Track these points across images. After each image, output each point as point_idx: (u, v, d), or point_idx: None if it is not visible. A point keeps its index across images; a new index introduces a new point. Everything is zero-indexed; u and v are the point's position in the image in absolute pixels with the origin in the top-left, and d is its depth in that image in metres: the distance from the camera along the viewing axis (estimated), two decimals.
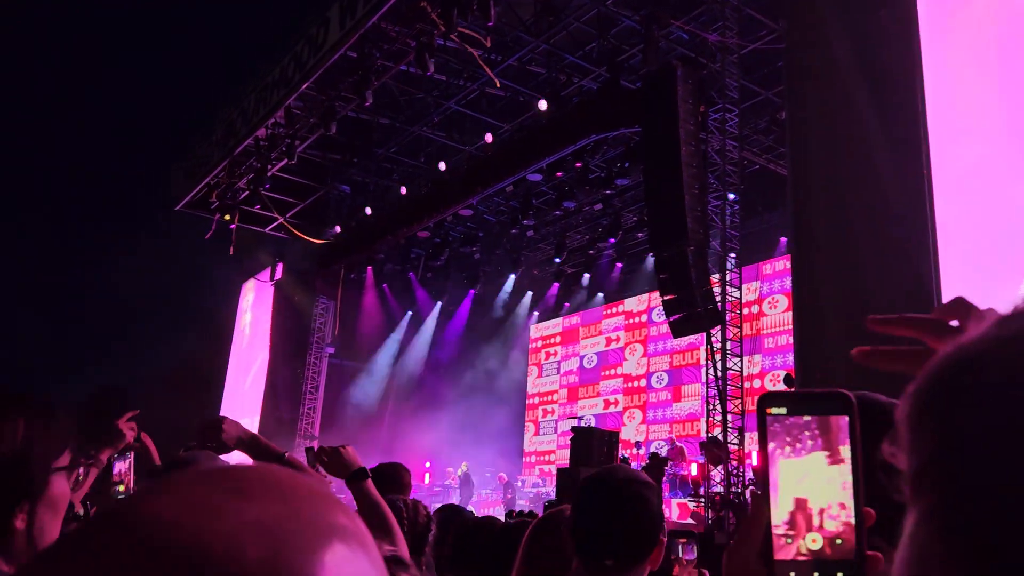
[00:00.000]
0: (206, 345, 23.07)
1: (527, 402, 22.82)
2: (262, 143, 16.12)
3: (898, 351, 0.72)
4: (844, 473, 0.68)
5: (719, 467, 11.33)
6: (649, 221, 13.03)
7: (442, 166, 16.27)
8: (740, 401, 11.61)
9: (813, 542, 0.67)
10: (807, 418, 0.70)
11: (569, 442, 11.66)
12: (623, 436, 15.95)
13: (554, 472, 16.75)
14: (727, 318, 11.73)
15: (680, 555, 2.01)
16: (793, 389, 0.69)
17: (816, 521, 0.68)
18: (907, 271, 8.29)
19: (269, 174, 16.62)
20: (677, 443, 15.56)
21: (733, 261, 12.25)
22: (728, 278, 12.03)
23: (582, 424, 17.74)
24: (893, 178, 8.50)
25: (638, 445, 16.68)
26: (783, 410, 0.70)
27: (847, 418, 0.69)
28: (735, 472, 11.16)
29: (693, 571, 1.99)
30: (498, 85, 13.77)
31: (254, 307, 23.01)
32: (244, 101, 16.50)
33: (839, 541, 0.67)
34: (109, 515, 0.40)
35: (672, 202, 11.10)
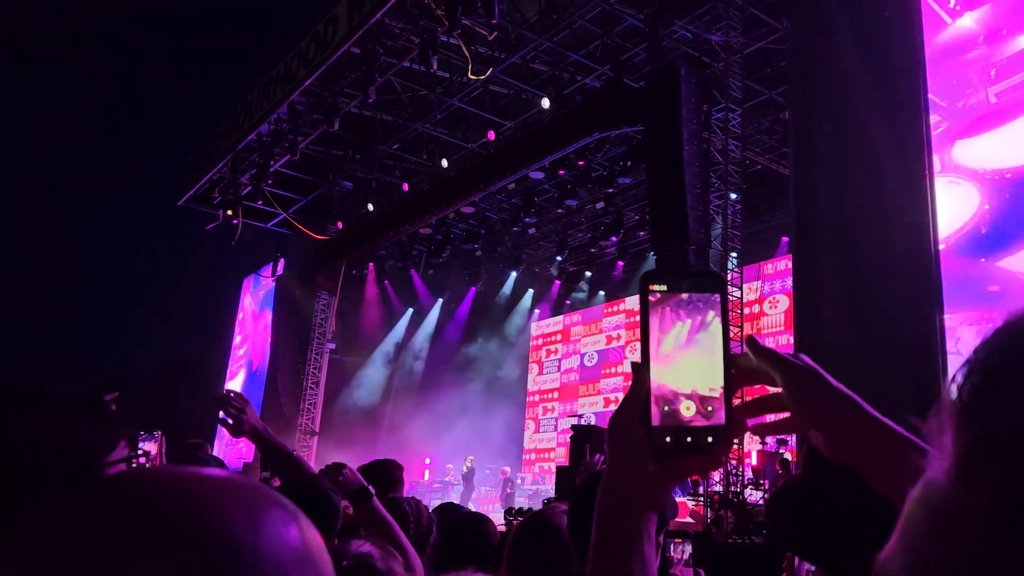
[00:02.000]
0: (207, 339, 23.12)
1: (527, 400, 22.83)
2: (265, 139, 16.12)
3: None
4: (715, 346, 0.75)
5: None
6: (651, 220, 13.03)
7: (444, 163, 16.27)
8: (740, 400, 11.57)
9: (687, 409, 0.74)
10: (685, 295, 0.76)
11: (569, 440, 11.66)
12: None
13: (554, 470, 16.77)
14: (728, 317, 11.70)
15: (672, 554, 2.02)
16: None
17: (690, 389, 0.74)
18: (909, 272, 8.29)
19: (272, 169, 16.63)
20: None
21: (734, 260, 12.24)
22: (729, 277, 12.02)
23: (582, 422, 17.73)
24: (896, 178, 8.49)
25: None
26: (663, 287, 0.77)
27: (719, 296, 0.77)
28: (734, 471, 11.16)
29: (688, 570, 1.99)
30: (481, 78, 13.65)
31: (255, 302, 23.04)
32: (248, 96, 16.51)
33: (710, 408, 0.74)
34: (96, 484, 0.45)
35: (674, 201, 11.10)
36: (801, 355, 0.77)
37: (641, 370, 0.75)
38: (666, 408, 0.74)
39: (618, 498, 0.77)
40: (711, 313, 0.76)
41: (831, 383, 0.75)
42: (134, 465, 1.22)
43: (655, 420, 0.73)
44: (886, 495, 0.70)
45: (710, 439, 0.73)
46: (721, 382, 0.74)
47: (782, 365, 0.77)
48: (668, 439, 0.73)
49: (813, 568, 1.48)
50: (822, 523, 1.31)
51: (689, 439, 0.73)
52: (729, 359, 0.75)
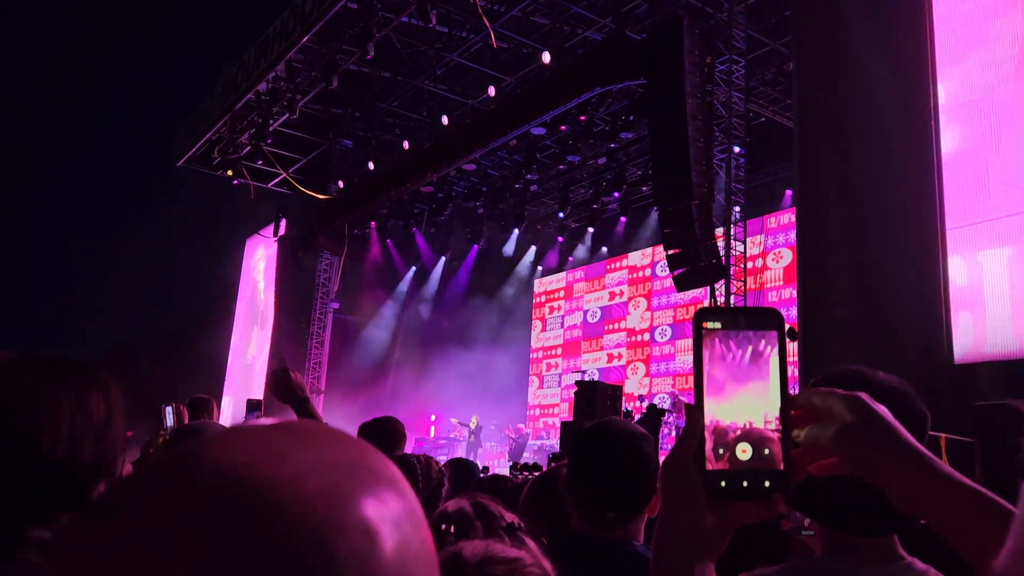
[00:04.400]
0: (211, 303, 23.17)
1: (531, 356, 22.94)
2: (263, 97, 15.96)
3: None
4: (773, 387, 0.71)
5: None
6: (654, 175, 12.94)
7: (445, 120, 16.11)
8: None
9: (743, 452, 0.70)
10: (740, 333, 0.72)
11: (573, 396, 11.74)
12: (626, 390, 16.06)
13: (558, 425, 16.92)
14: (731, 272, 11.71)
15: None
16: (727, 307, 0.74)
17: (745, 423, 0.71)
18: (913, 224, 8.24)
19: (270, 129, 16.49)
20: (679, 397, 15.67)
21: (738, 215, 12.19)
22: (732, 232, 11.98)
23: (585, 378, 17.84)
24: (900, 130, 8.40)
25: (641, 399, 16.80)
26: (717, 325, 0.73)
27: (776, 333, 0.72)
28: None
29: None
30: (495, 47, 13.57)
31: (257, 263, 23.03)
32: (244, 55, 16.31)
33: (766, 451, 0.70)
34: (174, 459, 0.41)
35: (677, 156, 11.01)
36: (863, 395, 0.73)
37: (695, 412, 0.72)
38: (721, 451, 0.70)
39: (675, 546, 0.73)
40: (768, 349, 0.72)
41: (898, 433, 0.72)
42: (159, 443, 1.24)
43: (710, 463, 0.71)
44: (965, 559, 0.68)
45: (767, 483, 0.70)
46: (777, 416, 0.71)
47: (844, 408, 0.73)
48: (723, 483, 0.70)
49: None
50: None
51: (745, 483, 0.70)
52: (788, 399, 0.71)
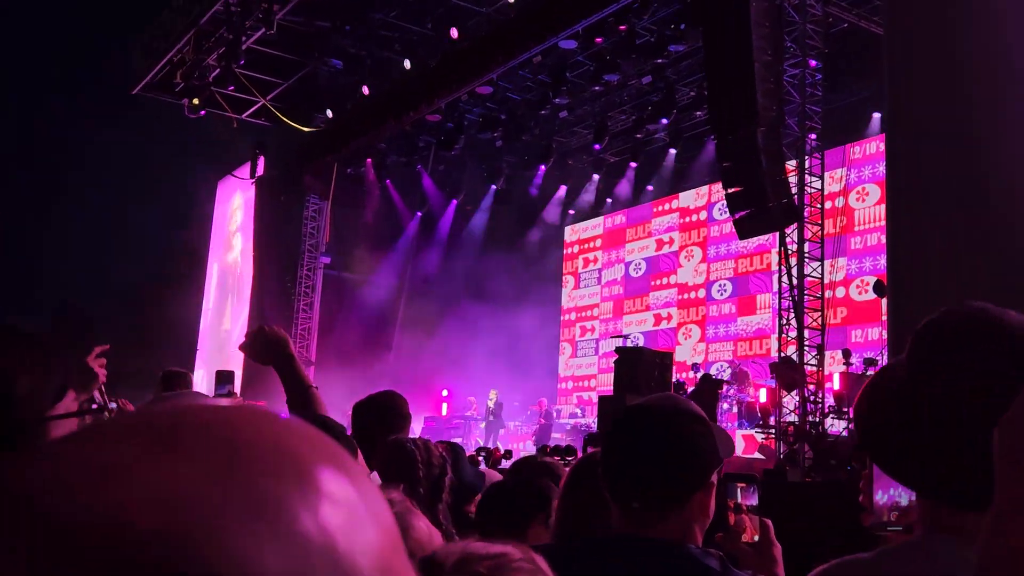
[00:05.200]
0: (176, 260, 23.35)
1: (562, 318, 23.03)
2: (233, 9, 15.89)
3: None
4: None
5: (793, 392, 11.44)
6: (710, 96, 12.80)
7: (454, 33, 15.98)
8: (820, 314, 11.62)
9: None
10: None
11: (613, 365, 11.79)
12: (678, 357, 16.10)
13: (595, 400, 17.01)
14: (805, 214, 11.62)
15: (739, 500, 2.03)
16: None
17: None
18: None
19: (244, 47, 16.43)
20: (741, 367, 15.68)
21: (814, 143, 12.05)
22: (808, 165, 11.86)
23: (628, 344, 17.89)
24: (1016, 32, 8.21)
25: (695, 368, 16.84)
26: None
27: None
28: (812, 398, 11.25)
29: (753, 517, 1.99)
30: None
31: (234, 212, 23.16)
32: None
33: None
34: None
35: (738, 72, 10.88)
36: None
37: None
38: None
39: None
40: None
41: None
42: (87, 420, 1.24)
43: None
44: None
45: None
46: None
47: None
48: None
49: (900, 500, 1.41)
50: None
51: None
52: None
